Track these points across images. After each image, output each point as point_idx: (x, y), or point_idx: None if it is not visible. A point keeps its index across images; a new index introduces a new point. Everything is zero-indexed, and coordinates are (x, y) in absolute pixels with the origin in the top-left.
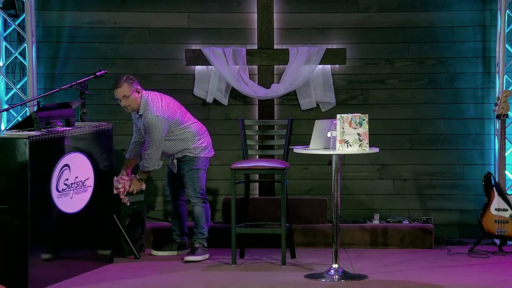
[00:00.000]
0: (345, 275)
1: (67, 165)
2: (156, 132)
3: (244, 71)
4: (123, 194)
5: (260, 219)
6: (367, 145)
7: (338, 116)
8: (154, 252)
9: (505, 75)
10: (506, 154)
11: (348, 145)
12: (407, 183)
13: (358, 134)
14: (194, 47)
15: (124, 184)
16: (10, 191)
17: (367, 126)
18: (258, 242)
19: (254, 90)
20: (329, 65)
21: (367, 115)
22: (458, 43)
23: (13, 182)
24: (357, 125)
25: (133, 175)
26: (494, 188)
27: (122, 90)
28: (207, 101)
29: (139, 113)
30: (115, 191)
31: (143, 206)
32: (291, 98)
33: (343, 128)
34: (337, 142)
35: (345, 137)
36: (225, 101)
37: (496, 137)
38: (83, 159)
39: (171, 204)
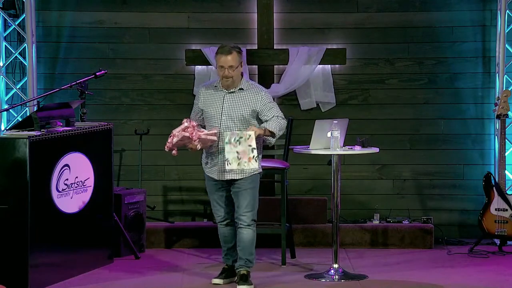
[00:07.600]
0: (345, 275)
1: (67, 165)
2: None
3: (244, 71)
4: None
5: (260, 219)
6: (247, 163)
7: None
8: None
9: (505, 75)
10: (506, 154)
11: (229, 163)
12: (407, 183)
13: (237, 152)
14: (194, 47)
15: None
16: (10, 191)
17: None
18: (258, 242)
19: None
20: (329, 65)
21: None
22: (458, 43)
23: (13, 182)
24: (236, 143)
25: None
26: (494, 188)
27: (232, 58)
28: None
29: (239, 87)
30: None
31: (143, 206)
32: (291, 98)
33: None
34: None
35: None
36: None
37: (496, 137)
38: (83, 159)
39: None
